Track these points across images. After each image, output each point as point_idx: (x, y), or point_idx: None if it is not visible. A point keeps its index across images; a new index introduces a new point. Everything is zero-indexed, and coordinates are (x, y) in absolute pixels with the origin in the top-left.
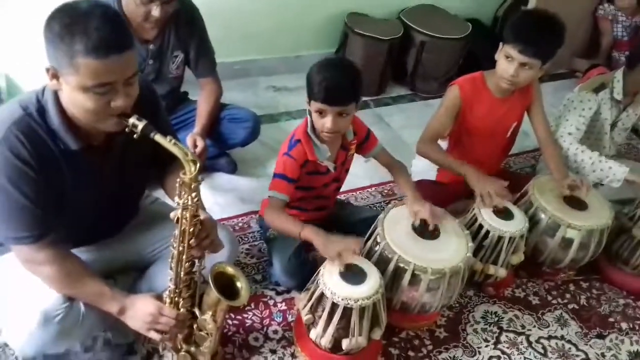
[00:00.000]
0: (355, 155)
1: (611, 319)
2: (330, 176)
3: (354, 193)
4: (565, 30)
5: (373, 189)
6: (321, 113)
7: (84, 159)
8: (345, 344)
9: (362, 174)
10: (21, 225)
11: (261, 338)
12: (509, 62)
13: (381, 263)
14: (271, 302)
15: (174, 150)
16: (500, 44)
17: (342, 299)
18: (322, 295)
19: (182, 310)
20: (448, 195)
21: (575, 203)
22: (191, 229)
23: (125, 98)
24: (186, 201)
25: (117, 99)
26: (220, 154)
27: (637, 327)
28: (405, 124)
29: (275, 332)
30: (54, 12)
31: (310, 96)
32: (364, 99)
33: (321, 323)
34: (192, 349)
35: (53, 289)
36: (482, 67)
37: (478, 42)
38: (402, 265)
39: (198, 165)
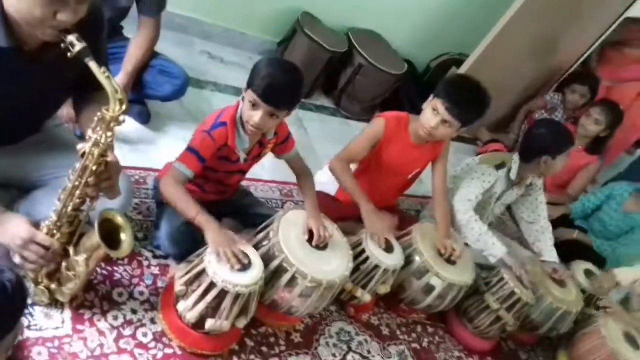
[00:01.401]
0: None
1: None
2: (237, 166)
3: (254, 183)
4: (489, 106)
5: (274, 185)
6: (254, 105)
7: (9, 59)
8: (209, 323)
9: (267, 166)
10: None
11: (125, 294)
12: (433, 115)
13: (266, 258)
14: (145, 263)
15: (105, 82)
16: (431, 95)
17: (222, 281)
18: (202, 271)
19: (55, 240)
20: (340, 212)
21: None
22: (94, 167)
23: (72, 14)
24: (99, 138)
25: (64, 12)
26: (136, 99)
27: None
28: (320, 135)
29: (142, 293)
30: None
31: (250, 85)
32: None
33: (193, 297)
34: (53, 285)
35: None
36: (402, 106)
37: (406, 83)
38: (285, 265)
39: (124, 106)
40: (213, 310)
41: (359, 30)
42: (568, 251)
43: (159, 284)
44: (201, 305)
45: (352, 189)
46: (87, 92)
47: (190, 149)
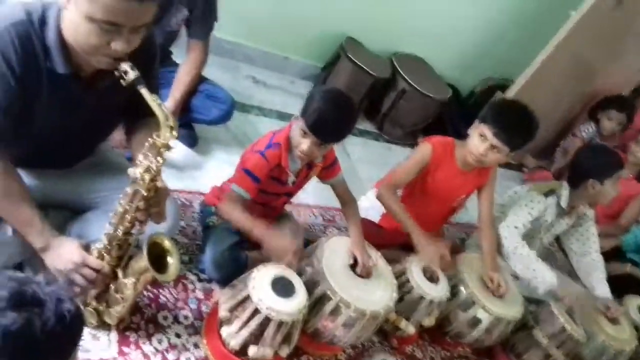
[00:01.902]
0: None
1: None
2: (286, 188)
3: (297, 207)
4: (538, 130)
5: (317, 210)
6: (304, 134)
7: (66, 85)
8: (252, 351)
9: (310, 190)
10: None
11: (170, 318)
12: (481, 141)
13: (310, 284)
14: (190, 287)
15: (157, 110)
16: (477, 121)
17: (267, 308)
18: (247, 297)
19: (105, 264)
20: (384, 239)
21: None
22: (145, 193)
23: (125, 44)
24: (150, 164)
25: (118, 41)
26: (184, 123)
27: None
28: (363, 159)
29: (186, 317)
30: None
31: (303, 114)
32: None
33: (237, 323)
34: (101, 307)
35: None
36: (445, 131)
37: (450, 108)
38: (329, 293)
39: (174, 132)
40: (256, 337)
41: (402, 55)
42: (620, 286)
43: (203, 308)
44: (245, 332)
45: (401, 216)
46: (138, 118)
47: (245, 170)
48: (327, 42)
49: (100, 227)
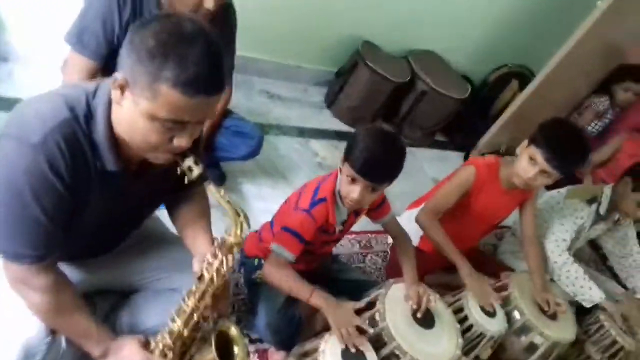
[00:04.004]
0: None
1: None
2: (332, 237)
3: None
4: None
5: (352, 236)
6: (353, 181)
7: (115, 180)
8: None
9: None
10: (27, 242)
11: None
12: (531, 165)
13: (376, 342)
14: None
15: (227, 207)
16: (526, 141)
17: None
18: None
19: None
20: (426, 263)
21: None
22: (213, 290)
23: (190, 138)
24: (221, 265)
25: (182, 137)
26: (211, 163)
27: None
28: None
29: None
30: (154, 20)
31: (348, 160)
32: (352, 130)
33: None
34: None
35: (37, 317)
36: (463, 128)
37: (468, 104)
38: (397, 352)
39: (246, 227)
40: None
41: (418, 53)
42: None
43: None
44: None
45: (447, 247)
46: (180, 191)
47: (290, 230)
48: (341, 47)
49: (154, 315)
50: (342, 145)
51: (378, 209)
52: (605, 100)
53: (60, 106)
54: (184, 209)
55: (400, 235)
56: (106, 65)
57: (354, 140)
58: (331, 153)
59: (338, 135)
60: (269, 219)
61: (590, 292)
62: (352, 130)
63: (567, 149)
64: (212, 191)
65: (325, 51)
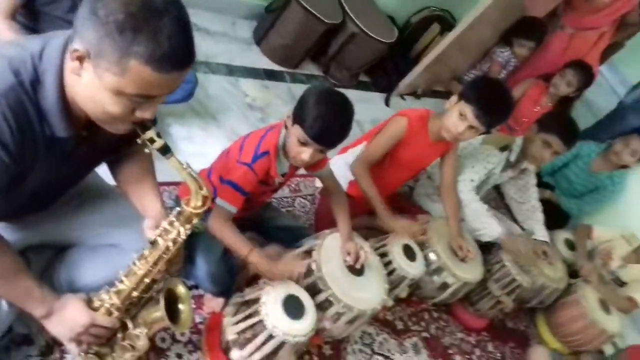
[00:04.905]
0: None
1: (450, 351)
2: (271, 187)
3: None
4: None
5: None
6: (304, 144)
7: (64, 146)
8: None
9: None
10: None
11: (168, 339)
12: (460, 120)
13: (311, 290)
14: None
15: (189, 180)
16: (456, 97)
17: (283, 334)
18: (259, 322)
19: (115, 319)
20: (354, 208)
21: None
22: (168, 257)
23: (154, 110)
24: (178, 234)
25: (147, 110)
26: None
27: None
28: None
29: (183, 333)
30: None
31: (299, 123)
32: (281, 69)
33: (249, 348)
34: (104, 350)
35: None
36: (387, 70)
37: (393, 48)
38: (332, 300)
39: (207, 204)
40: (269, 358)
41: None
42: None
43: (197, 319)
44: (258, 355)
45: (373, 197)
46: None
47: (231, 183)
48: None
49: (92, 269)
50: (272, 85)
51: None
52: (508, 53)
53: (4, 70)
54: (127, 167)
55: (335, 190)
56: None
57: (306, 104)
58: (261, 93)
59: (267, 74)
60: (201, 162)
61: (491, 228)
62: (281, 69)
63: (496, 107)
64: (175, 165)
65: None
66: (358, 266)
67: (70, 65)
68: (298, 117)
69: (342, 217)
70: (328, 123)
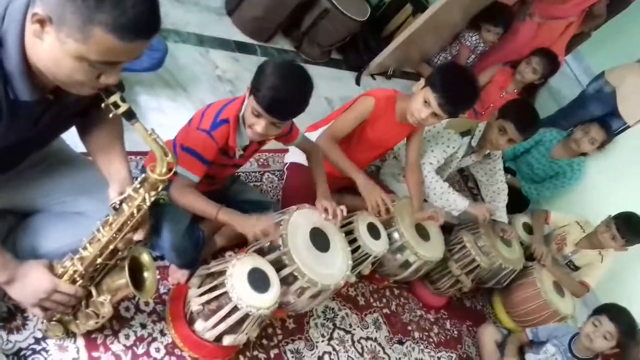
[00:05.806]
0: None
1: (409, 328)
2: (233, 161)
3: None
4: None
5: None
6: (257, 115)
7: (28, 109)
8: (228, 340)
9: None
10: None
11: (132, 308)
12: (424, 106)
13: (276, 264)
14: None
15: (154, 147)
16: (422, 81)
17: (247, 306)
18: (224, 294)
19: (78, 287)
20: None
21: (421, 231)
22: (132, 223)
23: (118, 75)
24: (142, 200)
25: (111, 76)
26: None
27: (424, 338)
28: None
29: (147, 303)
30: None
31: (255, 93)
32: (253, 42)
33: (214, 319)
34: (67, 318)
35: None
36: (358, 48)
37: (365, 26)
38: (296, 274)
39: (173, 170)
40: (232, 329)
41: None
42: None
43: (162, 289)
44: (222, 327)
45: (344, 164)
46: (92, 112)
47: (190, 151)
48: None
49: (56, 236)
50: (243, 57)
51: (287, 135)
52: (476, 37)
53: None
54: (96, 133)
55: (312, 151)
56: None
57: (262, 75)
58: (231, 65)
59: (238, 46)
60: (169, 134)
61: (457, 202)
62: (253, 42)
63: (460, 96)
64: (140, 131)
65: None
66: (335, 223)
67: (31, 27)
68: (254, 87)
69: (319, 176)
70: (280, 94)
